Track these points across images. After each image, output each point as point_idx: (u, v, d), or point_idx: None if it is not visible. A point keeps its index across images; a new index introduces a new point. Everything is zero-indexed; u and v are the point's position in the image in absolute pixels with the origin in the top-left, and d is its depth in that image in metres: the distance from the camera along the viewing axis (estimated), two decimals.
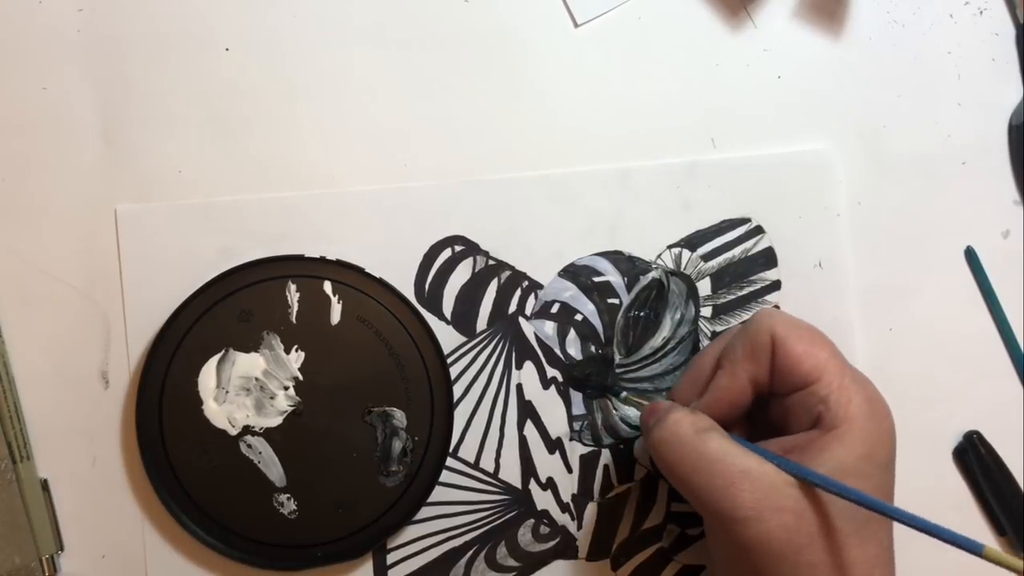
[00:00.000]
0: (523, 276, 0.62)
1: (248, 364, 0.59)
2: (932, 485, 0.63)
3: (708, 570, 0.62)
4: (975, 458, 0.62)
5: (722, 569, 0.52)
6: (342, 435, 0.59)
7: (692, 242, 0.63)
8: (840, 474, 0.47)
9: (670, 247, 0.63)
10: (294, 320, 0.59)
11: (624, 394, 0.61)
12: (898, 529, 0.48)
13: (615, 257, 0.63)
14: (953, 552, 0.43)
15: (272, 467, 0.58)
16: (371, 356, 0.59)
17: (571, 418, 0.62)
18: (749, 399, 0.53)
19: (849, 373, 0.51)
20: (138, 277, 0.61)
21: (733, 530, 0.47)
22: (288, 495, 0.58)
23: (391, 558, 0.60)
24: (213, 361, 0.59)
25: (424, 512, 0.60)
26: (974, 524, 0.63)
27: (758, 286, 0.63)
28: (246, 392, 0.59)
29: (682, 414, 0.52)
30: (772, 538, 0.47)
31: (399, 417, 0.59)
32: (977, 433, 0.63)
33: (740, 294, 0.63)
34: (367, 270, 0.60)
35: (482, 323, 0.62)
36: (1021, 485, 0.62)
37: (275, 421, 0.58)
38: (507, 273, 0.62)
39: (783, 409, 0.52)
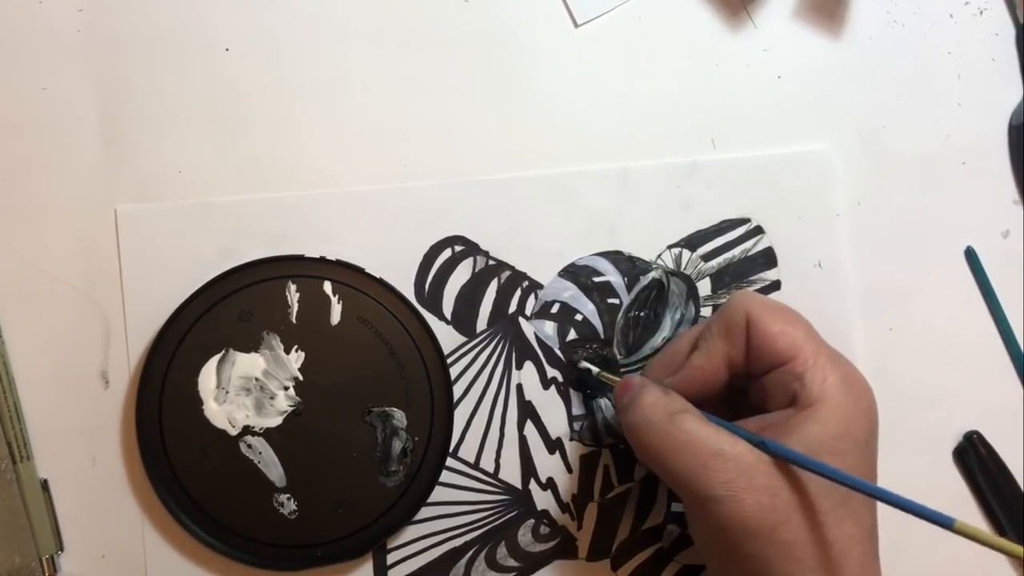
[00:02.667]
0: (523, 276, 0.62)
1: (248, 364, 0.59)
2: (932, 485, 0.63)
3: (704, 562, 0.62)
4: (975, 458, 0.62)
5: (702, 549, 0.52)
6: (342, 435, 0.59)
7: (692, 242, 0.63)
8: (815, 451, 0.47)
9: (670, 247, 0.63)
10: (294, 320, 0.59)
11: (596, 371, 0.60)
12: (890, 513, 0.47)
13: (615, 257, 0.63)
14: (942, 533, 0.43)
15: (272, 467, 0.58)
16: (371, 356, 0.59)
17: (571, 418, 0.62)
18: (724, 379, 0.53)
19: (825, 351, 0.50)
20: (138, 277, 0.60)
21: (708, 510, 0.47)
22: (288, 495, 0.58)
23: (391, 558, 0.60)
24: (213, 361, 0.59)
25: (424, 512, 0.60)
26: (974, 524, 0.62)
27: (758, 286, 0.63)
28: (246, 392, 0.59)
29: (655, 396, 0.51)
30: (747, 516, 0.47)
31: (399, 417, 0.59)
32: (977, 433, 0.63)
33: None
34: (367, 270, 0.60)
35: (482, 323, 0.62)
36: (1021, 485, 0.62)
37: (275, 421, 0.58)
38: (507, 273, 0.62)
39: (761, 389, 0.52)
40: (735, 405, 0.55)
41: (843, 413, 0.49)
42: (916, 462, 0.63)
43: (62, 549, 0.59)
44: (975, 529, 0.42)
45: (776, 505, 0.47)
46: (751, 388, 0.53)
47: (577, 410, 0.62)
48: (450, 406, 0.60)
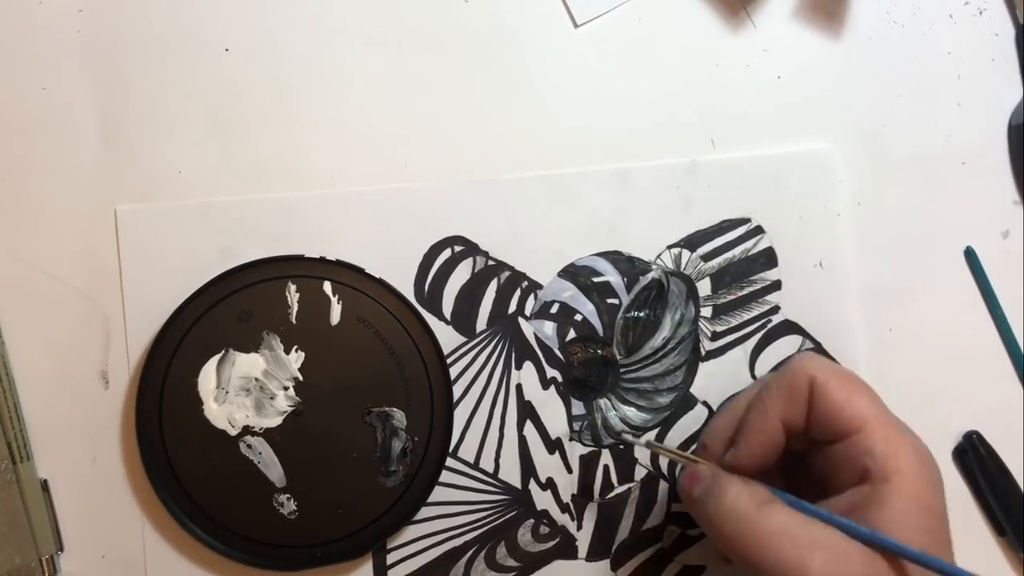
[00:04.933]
0: (523, 276, 0.62)
1: (248, 364, 0.59)
2: None
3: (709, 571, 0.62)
4: (975, 458, 0.62)
5: None
6: (342, 435, 0.58)
7: (692, 242, 0.63)
8: (903, 531, 0.46)
9: (670, 247, 0.63)
10: (294, 320, 0.59)
11: (645, 438, 0.60)
12: None
13: (615, 257, 0.63)
14: None
15: (272, 467, 0.58)
16: (371, 356, 0.59)
17: (571, 418, 0.62)
18: (781, 442, 0.52)
19: (892, 421, 0.50)
20: (138, 277, 0.60)
21: None
22: (288, 495, 0.58)
23: (391, 558, 0.60)
24: (213, 361, 0.59)
25: (424, 512, 0.60)
26: (974, 524, 0.63)
27: (758, 286, 0.63)
28: (246, 392, 0.58)
29: (738, 488, 0.50)
30: None
31: (399, 417, 0.59)
32: (977, 433, 0.63)
33: (740, 294, 0.63)
34: (367, 270, 0.60)
35: (482, 323, 0.62)
36: (1021, 485, 0.62)
37: (275, 421, 0.58)
38: (507, 273, 0.62)
39: (824, 462, 0.51)
40: (796, 479, 0.54)
41: (921, 488, 0.48)
42: None
43: (62, 549, 0.59)
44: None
45: None
46: (813, 458, 0.53)
47: (577, 410, 0.62)
48: (450, 406, 0.59)
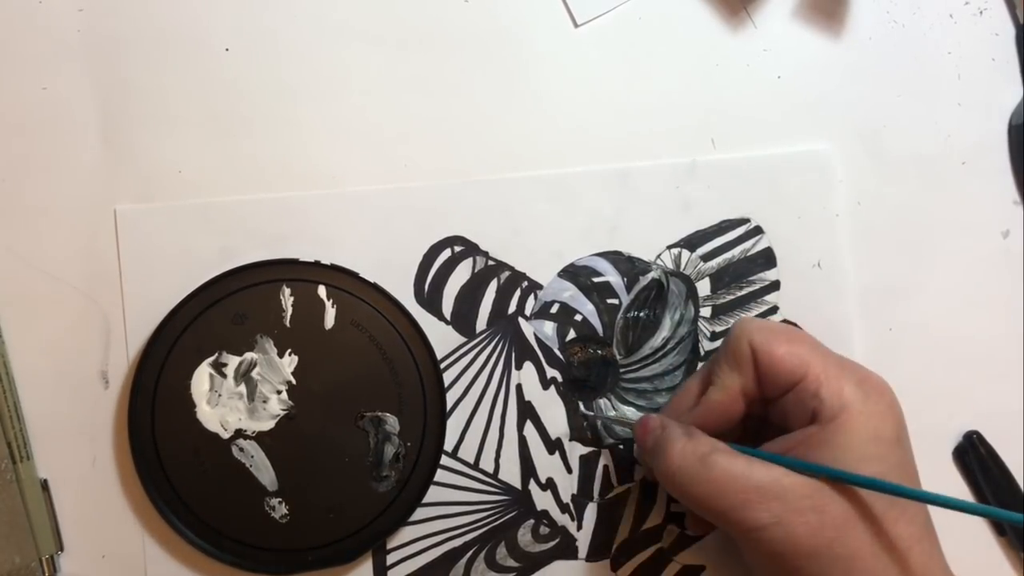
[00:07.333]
0: (523, 276, 0.59)
1: None
2: (932, 485, 0.58)
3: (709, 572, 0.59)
4: (975, 458, 0.60)
5: None
6: (334, 440, 0.56)
7: (692, 242, 0.60)
8: (850, 461, 0.45)
9: (670, 247, 0.60)
10: (288, 324, 0.57)
11: (603, 418, 0.58)
12: None
13: (615, 257, 0.60)
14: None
15: (264, 471, 0.56)
16: (364, 361, 0.57)
17: (571, 418, 0.59)
18: (742, 410, 0.51)
19: (834, 361, 0.49)
20: (138, 277, 0.58)
21: (761, 539, 0.45)
22: (280, 499, 0.56)
23: (391, 558, 0.57)
24: (206, 364, 0.56)
25: (424, 512, 0.58)
26: (974, 524, 0.60)
27: (757, 286, 0.60)
28: (239, 395, 0.56)
29: (680, 442, 0.49)
30: (799, 540, 0.44)
31: (392, 422, 0.56)
32: (977, 433, 0.60)
33: (740, 294, 0.60)
34: (362, 274, 0.58)
35: (482, 323, 0.59)
36: (1021, 485, 0.59)
37: (268, 425, 0.56)
38: (507, 273, 0.59)
39: (780, 413, 0.50)
40: (755, 430, 0.53)
41: (867, 418, 0.46)
42: (916, 462, 0.57)
43: (62, 549, 0.57)
44: None
45: (825, 522, 0.45)
46: (770, 413, 0.51)
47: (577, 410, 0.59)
48: (443, 411, 0.57)
